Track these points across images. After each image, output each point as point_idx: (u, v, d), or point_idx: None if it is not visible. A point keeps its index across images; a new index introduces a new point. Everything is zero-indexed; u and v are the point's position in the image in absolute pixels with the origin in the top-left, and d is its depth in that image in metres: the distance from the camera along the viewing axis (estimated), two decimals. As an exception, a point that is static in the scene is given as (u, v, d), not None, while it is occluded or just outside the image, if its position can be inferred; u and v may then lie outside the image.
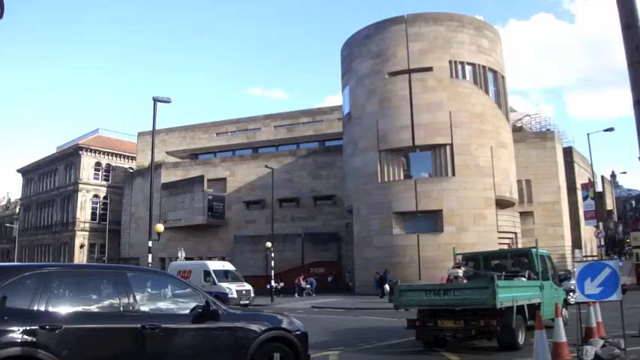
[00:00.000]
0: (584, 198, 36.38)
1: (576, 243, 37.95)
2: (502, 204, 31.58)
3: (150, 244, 19.89)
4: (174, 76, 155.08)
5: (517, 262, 12.55)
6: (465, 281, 10.98)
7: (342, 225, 37.95)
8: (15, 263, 6.32)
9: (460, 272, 11.34)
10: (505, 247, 30.20)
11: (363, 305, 23.58)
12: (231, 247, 41.78)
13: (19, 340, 4.24)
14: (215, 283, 25.54)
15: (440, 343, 10.34)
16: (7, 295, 4.44)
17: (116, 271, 5.64)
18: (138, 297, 5.16)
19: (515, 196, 33.25)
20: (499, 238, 30.64)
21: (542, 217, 35.95)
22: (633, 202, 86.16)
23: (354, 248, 33.18)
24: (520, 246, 30.56)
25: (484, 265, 12.61)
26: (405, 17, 32.14)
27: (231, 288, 25.36)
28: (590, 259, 32.79)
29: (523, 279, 11.10)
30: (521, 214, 34.32)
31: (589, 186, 36.32)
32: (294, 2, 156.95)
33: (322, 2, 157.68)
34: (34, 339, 4.31)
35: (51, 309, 4.55)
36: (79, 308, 4.82)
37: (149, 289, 5.57)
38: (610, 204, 60.81)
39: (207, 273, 26.31)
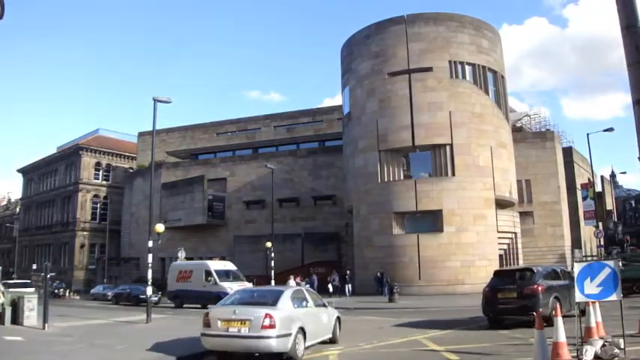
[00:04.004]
0: (584, 198, 36.35)
1: (576, 243, 37.94)
2: (502, 204, 31.64)
3: (150, 244, 19.82)
4: (173, 78, 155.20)
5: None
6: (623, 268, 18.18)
7: (342, 225, 37.92)
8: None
9: (620, 264, 20.80)
10: (505, 246, 31.87)
11: (363, 305, 23.57)
12: (231, 247, 41.77)
13: (554, 291, 12.72)
14: (216, 283, 25.45)
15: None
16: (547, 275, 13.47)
17: (558, 268, 14.58)
18: (559, 273, 13.95)
19: (515, 196, 33.30)
20: (499, 238, 30.76)
21: (541, 217, 36.00)
22: (633, 202, 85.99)
23: (354, 248, 33.14)
24: (519, 246, 32.77)
25: (630, 260, 23.26)
26: (405, 17, 32.16)
27: (233, 287, 25.24)
28: (589, 259, 32.83)
29: None
30: (521, 214, 34.39)
31: (589, 186, 36.27)
32: (294, 3, 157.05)
33: (322, 3, 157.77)
34: (557, 289, 12.87)
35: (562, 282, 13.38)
36: (549, 280, 13.13)
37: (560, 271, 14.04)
38: (610, 204, 60.73)
39: (208, 273, 26.24)
